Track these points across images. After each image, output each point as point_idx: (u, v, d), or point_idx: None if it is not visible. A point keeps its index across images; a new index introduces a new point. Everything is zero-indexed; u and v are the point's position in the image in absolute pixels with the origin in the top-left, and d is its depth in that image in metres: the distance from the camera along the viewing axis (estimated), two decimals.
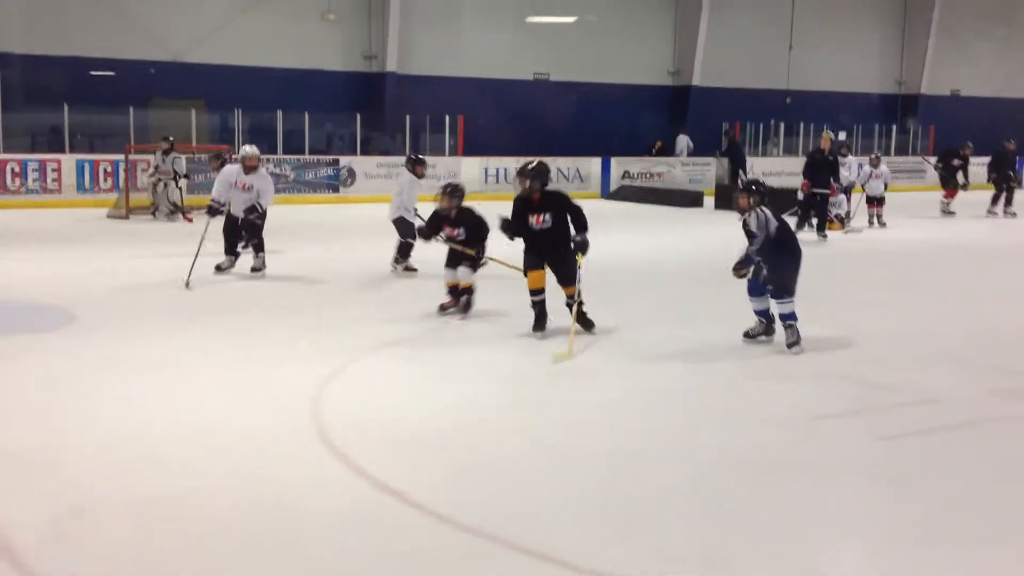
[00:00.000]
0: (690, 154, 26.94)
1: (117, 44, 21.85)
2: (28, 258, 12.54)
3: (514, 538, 4.23)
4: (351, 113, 23.34)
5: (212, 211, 11.18)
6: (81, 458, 5.24)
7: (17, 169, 19.15)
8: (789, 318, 7.66)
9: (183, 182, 17.63)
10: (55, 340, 8.04)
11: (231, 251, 11.30)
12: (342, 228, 16.78)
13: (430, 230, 9.08)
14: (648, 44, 28.47)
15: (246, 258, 11.28)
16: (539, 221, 7.94)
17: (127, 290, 10.20)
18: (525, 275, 8.16)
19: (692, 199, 22.24)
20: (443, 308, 8.97)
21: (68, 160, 19.62)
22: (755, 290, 7.81)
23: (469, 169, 22.75)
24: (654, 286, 10.98)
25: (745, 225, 7.66)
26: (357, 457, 5.23)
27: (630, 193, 24.03)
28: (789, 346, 7.64)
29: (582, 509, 4.63)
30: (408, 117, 23.25)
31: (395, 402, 6.39)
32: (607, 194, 24.38)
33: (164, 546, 4.19)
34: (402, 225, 11.39)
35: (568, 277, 8.04)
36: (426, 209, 10.31)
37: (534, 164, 8.07)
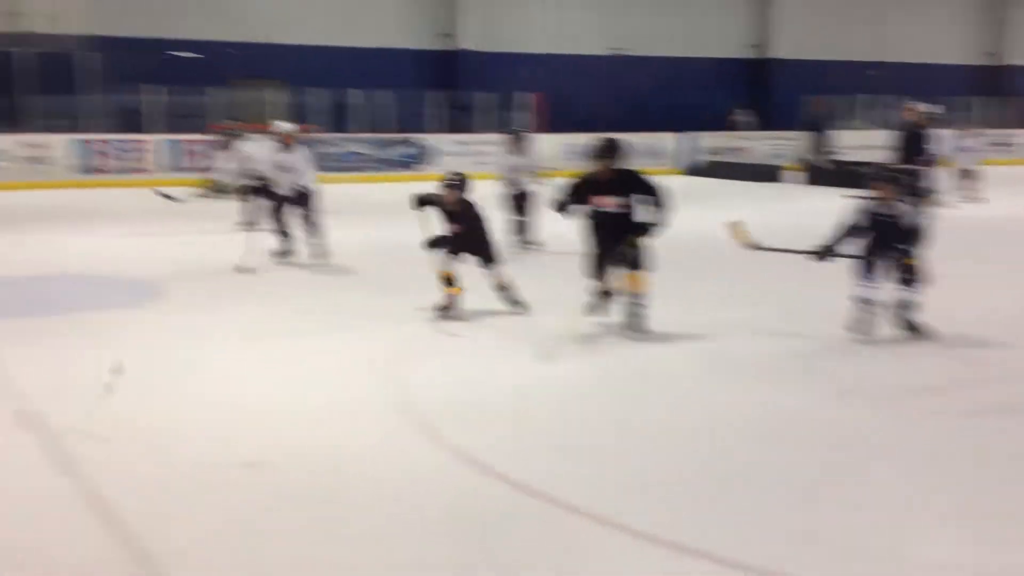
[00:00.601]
0: (752, 128, 26.45)
1: (201, 25, 22.28)
2: (117, 234, 12.89)
3: (612, 515, 4.23)
4: (425, 91, 23.47)
5: (251, 190, 10.93)
6: (179, 426, 5.41)
7: (107, 148, 19.68)
8: (912, 307, 7.15)
9: None
10: (146, 314, 8.29)
11: (283, 232, 10.83)
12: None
13: (434, 240, 8.04)
14: (726, 17, 28.07)
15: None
16: (609, 203, 7.20)
17: (210, 265, 10.42)
18: (592, 275, 7.35)
19: (770, 174, 21.92)
20: (444, 309, 7.91)
21: (156, 140, 20.09)
22: (869, 276, 7.13)
23: (546, 146, 22.69)
24: (723, 264, 10.83)
25: (875, 215, 7.07)
26: (443, 430, 5.30)
27: (707, 168, 23.77)
28: (914, 332, 7.17)
29: (678, 486, 4.61)
30: (479, 95, 23.29)
31: (476, 376, 6.43)
32: (684, 169, 24.15)
33: (256, 509, 4.31)
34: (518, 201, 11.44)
35: (635, 262, 7.20)
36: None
37: (605, 141, 7.34)
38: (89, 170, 19.49)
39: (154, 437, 5.22)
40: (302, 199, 10.62)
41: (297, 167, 10.63)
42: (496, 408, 5.75)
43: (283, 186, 10.66)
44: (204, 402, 5.82)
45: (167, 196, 12.27)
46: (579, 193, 7.36)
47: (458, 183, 8.00)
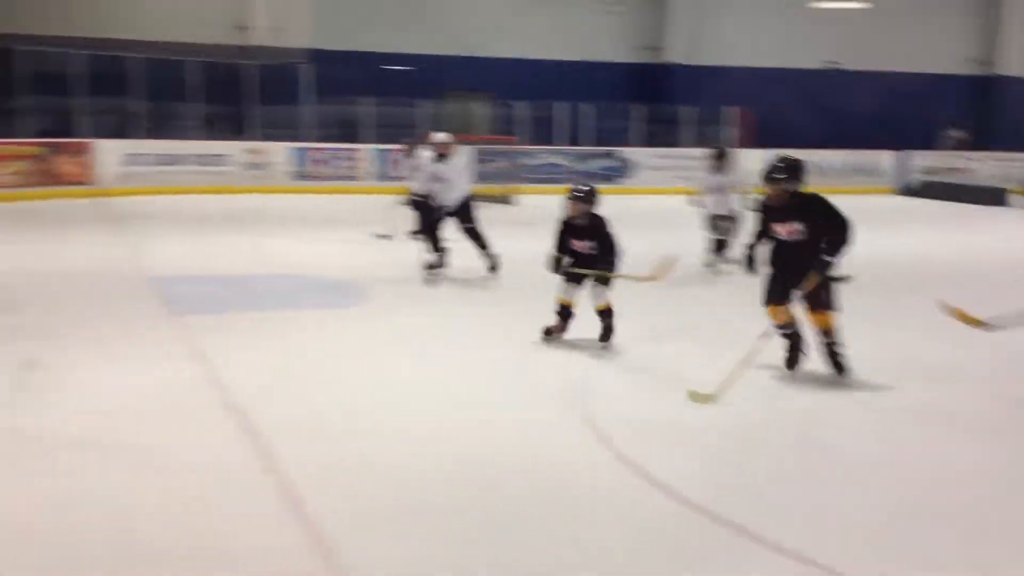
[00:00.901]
0: (966, 147, 24.83)
1: (414, 40, 23.04)
2: (328, 239, 13.46)
3: (777, 538, 4.09)
4: (630, 104, 23.38)
5: (414, 204, 10.76)
6: (371, 423, 5.56)
7: (322, 157, 20.64)
8: None
9: None
10: (349, 315, 8.59)
11: (436, 245, 10.41)
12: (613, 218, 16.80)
13: (558, 253, 7.34)
14: (947, 31, 26.60)
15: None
16: (789, 232, 6.37)
17: (410, 271, 10.69)
18: (765, 305, 6.58)
19: (995, 197, 20.55)
20: (549, 332, 7.44)
21: (368, 149, 20.92)
22: None
23: (751, 162, 22.15)
24: (939, 290, 10.18)
25: None
26: (618, 442, 5.26)
27: (921, 188, 22.56)
28: None
29: (846, 514, 4.42)
30: (684, 108, 22.99)
31: (655, 390, 6.33)
32: (902, 189, 23.04)
33: (443, 509, 4.36)
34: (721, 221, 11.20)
35: (821, 301, 6.36)
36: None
37: (781, 161, 6.44)
38: (304, 176, 20.47)
39: (354, 438, 5.36)
40: (459, 211, 10.38)
41: (451, 178, 10.36)
42: (678, 423, 5.62)
43: (438, 197, 10.39)
44: (403, 407, 5.94)
45: (383, 236, 12.78)
46: (765, 220, 6.60)
47: (584, 195, 7.24)
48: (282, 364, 6.83)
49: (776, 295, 6.48)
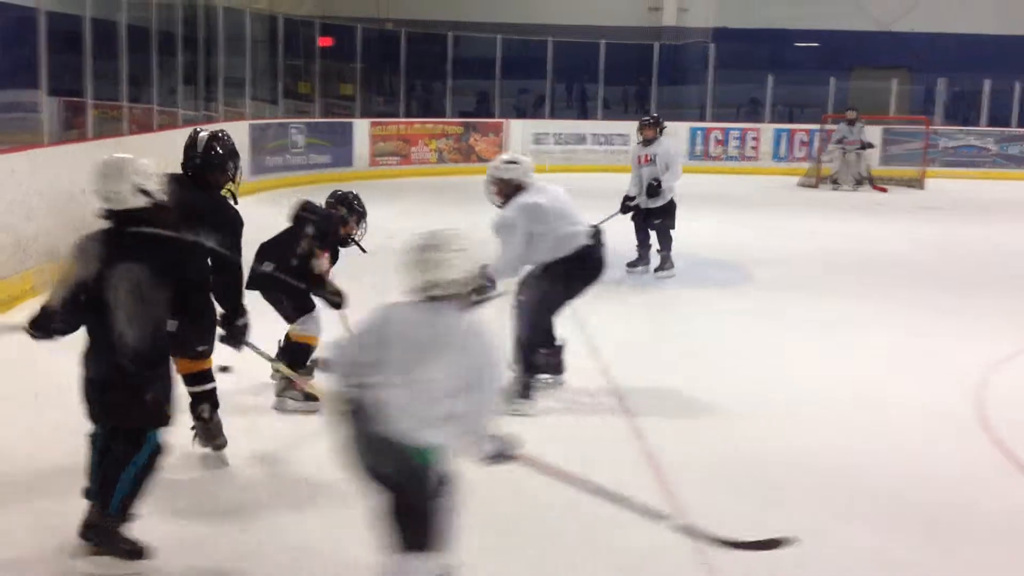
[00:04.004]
0: None
1: (823, 15, 22.16)
2: (721, 219, 13.36)
3: None
4: None
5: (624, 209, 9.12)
6: (742, 408, 5.48)
7: (720, 137, 20.50)
8: None
9: (870, 151, 17.39)
10: (733, 296, 8.52)
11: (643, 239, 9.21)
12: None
13: None
14: None
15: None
16: None
17: (803, 253, 10.41)
18: None
19: None
20: None
21: (767, 129, 20.48)
22: None
23: None
24: None
25: None
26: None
27: None
28: None
29: None
30: None
31: None
32: None
33: (830, 510, 4.22)
34: None
35: None
36: None
37: None
38: (701, 156, 20.44)
39: (714, 419, 5.33)
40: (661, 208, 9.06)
41: (663, 159, 9.03)
42: None
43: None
44: (773, 392, 5.81)
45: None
46: None
47: None
48: (654, 341, 6.95)
49: None
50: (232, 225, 4.41)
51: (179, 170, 4.57)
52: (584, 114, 21.49)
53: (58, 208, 7.52)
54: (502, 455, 3.14)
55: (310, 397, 5.05)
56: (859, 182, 17.07)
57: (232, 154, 4.62)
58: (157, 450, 3.62)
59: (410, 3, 21.62)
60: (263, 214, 6.38)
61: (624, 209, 9.07)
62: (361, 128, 17.51)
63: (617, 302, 7.80)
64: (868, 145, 17.34)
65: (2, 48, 7.64)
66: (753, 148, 20.37)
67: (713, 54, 21.01)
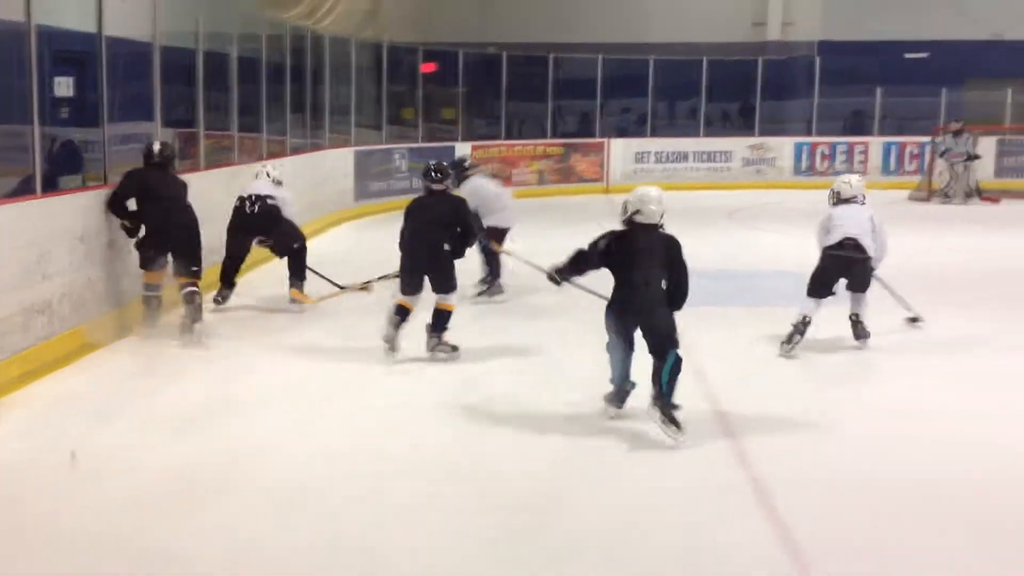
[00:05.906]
0: None
1: (933, 25, 21.59)
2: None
3: None
4: None
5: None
6: (846, 429, 5.41)
7: (826, 151, 20.12)
8: None
9: (977, 163, 16.84)
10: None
11: None
12: None
13: None
14: None
15: None
16: None
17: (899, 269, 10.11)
18: None
19: None
20: None
21: (875, 142, 20.02)
22: None
23: None
24: None
25: None
26: None
27: None
28: None
29: None
30: None
31: None
32: None
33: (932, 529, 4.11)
34: None
35: None
36: None
37: None
38: (806, 172, 20.07)
39: (813, 437, 5.27)
40: None
41: None
42: None
43: None
44: (870, 409, 5.73)
45: None
46: None
47: None
48: (751, 358, 6.91)
49: None
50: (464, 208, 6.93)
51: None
52: (684, 132, 21.35)
53: None
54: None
55: (454, 348, 6.67)
56: (968, 195, 16.57)
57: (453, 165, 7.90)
58: None
59: (511, 26, 21.85)
60: (368, 239, 6.52)
61: None
62: (463, 151, 17.74)
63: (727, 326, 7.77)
64: (974, 157, 16.80)
65: (119, 82, 7.96)
66: (861, 163, 19.91)
67: (819, 68, 20.68)
